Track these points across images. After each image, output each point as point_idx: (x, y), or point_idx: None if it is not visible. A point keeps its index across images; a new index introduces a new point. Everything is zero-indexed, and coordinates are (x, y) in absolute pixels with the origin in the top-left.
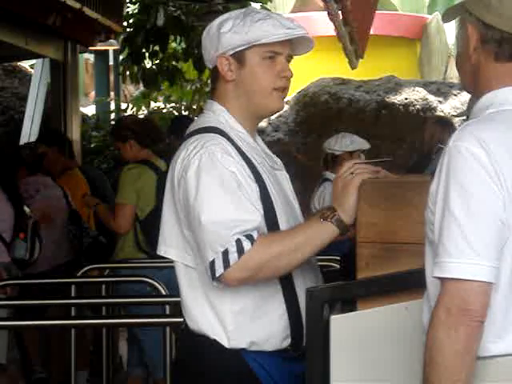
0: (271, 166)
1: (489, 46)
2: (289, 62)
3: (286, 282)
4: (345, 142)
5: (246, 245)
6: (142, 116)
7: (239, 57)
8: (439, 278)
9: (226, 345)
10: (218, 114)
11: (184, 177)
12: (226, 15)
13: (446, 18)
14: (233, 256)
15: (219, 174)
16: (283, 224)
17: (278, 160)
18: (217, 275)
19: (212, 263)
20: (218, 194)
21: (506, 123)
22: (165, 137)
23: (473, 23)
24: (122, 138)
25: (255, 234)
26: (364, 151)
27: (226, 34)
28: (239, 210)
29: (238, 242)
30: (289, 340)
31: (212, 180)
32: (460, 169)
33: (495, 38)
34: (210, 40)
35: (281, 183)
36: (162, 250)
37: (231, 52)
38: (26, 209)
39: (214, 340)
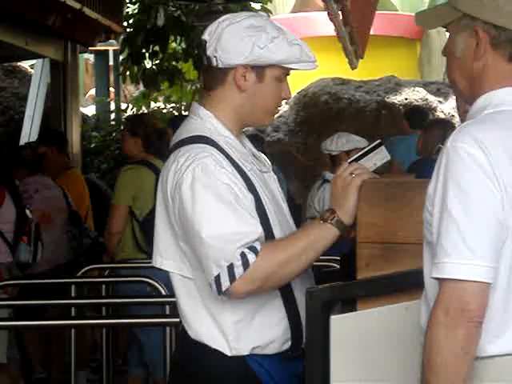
0: (259, 169)
1: (501, 48)
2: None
3: (284, 285)
4: (341, 142)
5: (251, 257)
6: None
7: (260, 71)
8: (437, 278)
9: (228, 353)
10: (205, 119)
11: (178, 192)
12: (255, 22)
13: (428, 23)
14: (238, 270)
15: (215, 188)
16: (276, 229)
17: (266, 160)
18: (223, 289)
19: (217, 278)
20: (217, 208)
21: (504, 123)
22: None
23: (481, 27)
24: (132, 131)
25: (258, 246)
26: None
27: (261, 48)
28: (240, 223)
29: (243, 255)
30: (289, 343)
31: (208, 194)
32: (458, 169)
33: (509, 39)
34: (237, 45)
35: (269, 186)
36: (158, 262)
37: (253, 63)
38: (27, 211)
39: (216, 349)
